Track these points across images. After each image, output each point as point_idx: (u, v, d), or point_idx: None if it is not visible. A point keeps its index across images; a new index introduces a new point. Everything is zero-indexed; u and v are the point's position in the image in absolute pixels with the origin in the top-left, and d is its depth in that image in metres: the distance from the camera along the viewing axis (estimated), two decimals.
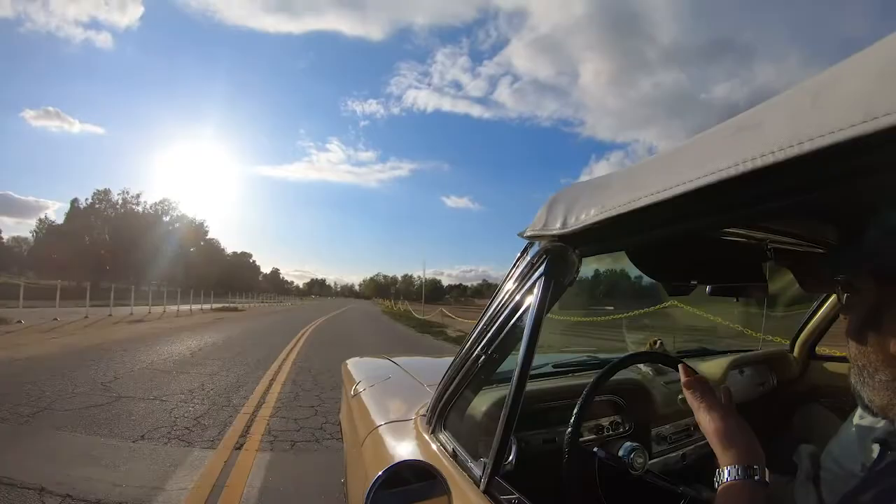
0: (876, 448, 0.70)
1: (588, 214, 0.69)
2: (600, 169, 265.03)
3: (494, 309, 0.99)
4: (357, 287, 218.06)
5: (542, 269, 0.84)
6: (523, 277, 0.90)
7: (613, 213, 0.63)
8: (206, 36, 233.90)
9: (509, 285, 0.95)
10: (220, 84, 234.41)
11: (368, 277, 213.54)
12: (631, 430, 1.34)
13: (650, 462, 1.16)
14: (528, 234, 0.86)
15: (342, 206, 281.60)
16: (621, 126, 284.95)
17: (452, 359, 1.17)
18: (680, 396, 1.45)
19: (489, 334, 0.99)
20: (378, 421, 1.46)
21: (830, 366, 1.86)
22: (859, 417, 0.93)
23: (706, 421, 0.79)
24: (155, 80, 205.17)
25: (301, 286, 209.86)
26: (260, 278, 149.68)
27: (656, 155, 0.64)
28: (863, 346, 0.66)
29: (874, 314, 0.64)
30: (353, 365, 2.37)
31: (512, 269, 0.96)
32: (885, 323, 0.63)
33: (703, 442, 1.44)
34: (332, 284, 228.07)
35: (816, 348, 1.94)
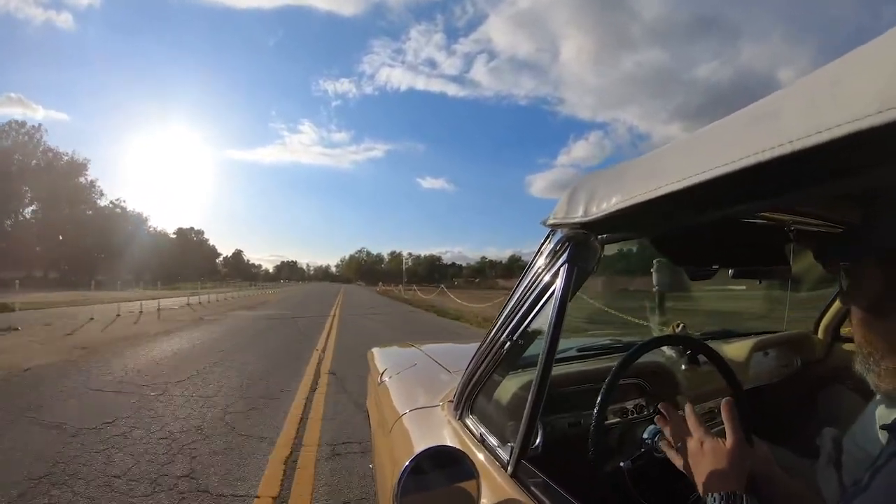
0: (883, 435, 0.70)
1: (609, 203, 0.71)
2: (579, 149, 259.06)
3: (519, 295, 1.02)
4: (334, 268, 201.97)
5: (565, 255, 0.86)
6: (547, 264, 0.92)
7: (634, 201, 0.64)
8: (172, 13, 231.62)
9: (533, 272, 0.97)
10: (187, 65, 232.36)
11: (348, 256, 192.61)
12: (655, 412, 1.36)
13: None
14: (551, 221, 0.88)
15: (316, 188, 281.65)
16: (601, 105, 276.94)
17: (478, 345, 1.19)
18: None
19: (515, 320, 1.02)
20: (406, 407, 1.50)
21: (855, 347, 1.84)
22: (879, 400, 0.94)
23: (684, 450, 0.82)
24: (119, 63, 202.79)
25: (271, 270, 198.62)
26: (219, 260, 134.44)
27: (675, 142, 0.65)
28: (868, 334, 0.66)
29: (880, 302, 0.64)
30: (379, 353, 2.41)
31: (536, 255, 0.98)
32: (892, 311, 0.63)
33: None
34: (305, 267, 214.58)
35: (841, 330, 1.92)
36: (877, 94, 0.34)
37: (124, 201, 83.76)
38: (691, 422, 0.85)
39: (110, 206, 76.57)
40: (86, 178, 68.62)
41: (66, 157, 64.68)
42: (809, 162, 0.42)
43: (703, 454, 0.78)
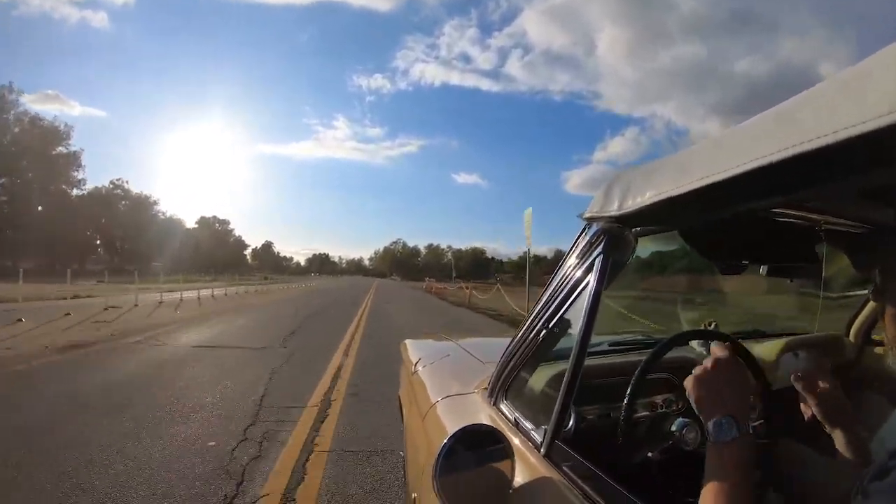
0: None
1: (644, 197, 0.75)
2: (615, 145, 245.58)
3: (555, 286, 1.06)
4: (367, 262, 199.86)
5: (600, 248, 0.91)
6: (583, 256, 0.97)
7: (666, 195, 0.69)
8: (206, 10, 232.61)
9: (569, 264, 1.02)
10: (221, 61, 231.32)
11: (382, 248, 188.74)
12: (684, 407, 1.38)
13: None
14: (588, 215, 0.93)
15: (349, 183, 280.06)
16: (638, 100, 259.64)
17: (513, 335, 1.25)
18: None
19: (550, 310, 1.07)
20: (440, 395, 1.56)
21: (887, 343, 1.82)
22: None
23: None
24: (154, 60, 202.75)
25: (302, 263, 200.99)
26: (247, 252, 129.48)
27: (705, 141, 0.69)
28: None
29: None
30: (412, 345, 2.48)
31: (572, 248, 1.03)
32: None
33: (757, 422, 1.46)
34: (337, 260, 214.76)
35: (873, 333, 1.90)
36: (888, 96, 0.37)
37: (127, 182, 73.88)
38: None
39: (110, 185, 68.97)
40: (66, 148, 58.23)
41: (43, 122, 55.12)
42: (826, 160, 0.45)
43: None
